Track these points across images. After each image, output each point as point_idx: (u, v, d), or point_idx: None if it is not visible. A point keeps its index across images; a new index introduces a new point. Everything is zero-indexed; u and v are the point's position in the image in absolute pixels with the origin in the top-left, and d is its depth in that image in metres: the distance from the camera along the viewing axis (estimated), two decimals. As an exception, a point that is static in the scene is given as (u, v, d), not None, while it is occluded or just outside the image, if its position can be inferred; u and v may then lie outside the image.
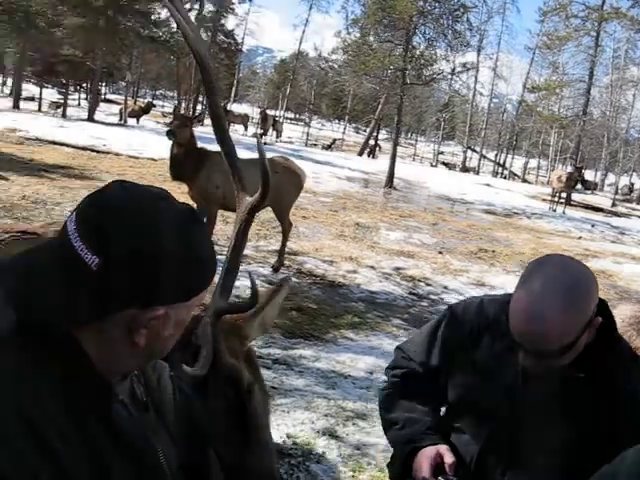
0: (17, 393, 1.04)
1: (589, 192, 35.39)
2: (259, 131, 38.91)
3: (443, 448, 2.04)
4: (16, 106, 30.41)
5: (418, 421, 2.14)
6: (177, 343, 1.29)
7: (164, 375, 1.43)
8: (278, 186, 8.58)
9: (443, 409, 2.32)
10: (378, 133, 42.40)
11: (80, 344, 1.13)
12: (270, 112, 42.93)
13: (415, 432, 2.11)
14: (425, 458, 2.01)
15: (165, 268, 1.11)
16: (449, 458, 2.00)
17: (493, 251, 12.93)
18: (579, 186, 27.87)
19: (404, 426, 2.14)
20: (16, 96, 31.62)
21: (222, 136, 2.04)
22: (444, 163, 47.43)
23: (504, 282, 10.44)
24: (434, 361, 2.22)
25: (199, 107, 44.37)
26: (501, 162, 49.61)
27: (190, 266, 1.16)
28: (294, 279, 8.58)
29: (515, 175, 46.27)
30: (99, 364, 1.15)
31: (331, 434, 4.83)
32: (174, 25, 36.63)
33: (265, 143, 30.04)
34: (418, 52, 24.02)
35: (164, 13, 35.50)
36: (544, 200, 24.99)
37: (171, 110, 48.77)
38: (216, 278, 1.29)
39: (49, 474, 1.02)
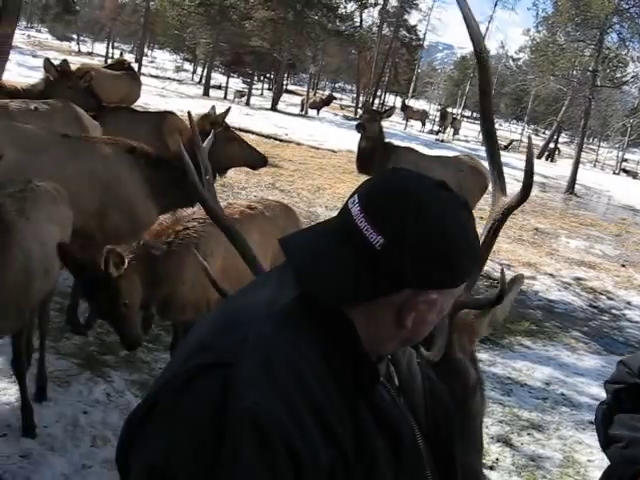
0: (293, 359, 1.10)
1: None
2: (435, 128, 38.58)
3: None
4: (206, 93, 32.06)
5: None
6: None
7: (413, 361, 1.45)
8: (462, 185, 8.49)
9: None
10: (559, 136, 40.82)
11: (353, 324, 1.17)
12: (448, 110, 42.45)
13: None
14: None
15: (445, 254, 1.14)
16: None
17: (682, 269, 12.11)
18: None
19: (628, 445, 2.06)
20: (206, 84, 33.33)
21: (490, 130, 2.03)
22: (625, 170, 44.74)
23: (693, 303, 9.78)
24: None
25: (377, 101, 44.75)
26: (692, 174, 46.22)
27: (465, 254, 1.17)
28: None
29: None
30: (365, 344, 1.18)
31: (505, 441, 4.77)
32: (358, 19, 37.25)
33: (442, 140, 29.82)
34: (611, 53, 22.83)
35: (350, 7, 36.17)
36: None
37: (349, 103, 49.66)
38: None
39: (320, 434, 1.08)
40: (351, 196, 1.19)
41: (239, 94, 34.18)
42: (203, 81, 35.87)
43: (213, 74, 36.07)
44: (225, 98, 32.93)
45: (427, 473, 1.32)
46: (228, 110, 5.77)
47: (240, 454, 1.00)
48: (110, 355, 4.82)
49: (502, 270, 1.73)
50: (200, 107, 23.04)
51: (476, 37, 1.88)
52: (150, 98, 20.56)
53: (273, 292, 1.21)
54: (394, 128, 29.80)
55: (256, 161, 6.16)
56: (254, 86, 37.23)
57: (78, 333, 5.01)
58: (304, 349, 1.12)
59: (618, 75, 24.20)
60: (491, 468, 4.44)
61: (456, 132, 39.25)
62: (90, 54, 43.77)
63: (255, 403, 1.03)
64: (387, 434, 1.21)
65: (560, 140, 43.71)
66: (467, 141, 38.65)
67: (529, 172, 1.83)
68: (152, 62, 50.51)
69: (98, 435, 3.88)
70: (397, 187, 1.17)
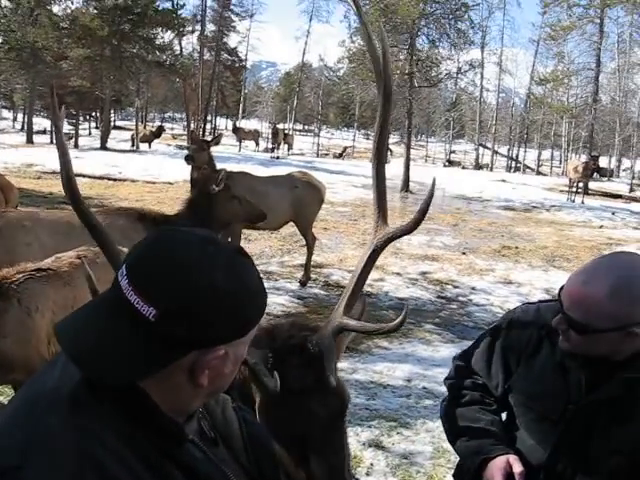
0: (85, 447, 1.07)
1: (605, 179, 35.14)
2: (270, 145, 38.87)
3: (512, 458, 2.04)
4: (29, 141, 30.74)
5: (485, 432, 2.14)
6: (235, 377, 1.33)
7: (228, 408, 1.46)
8: (299, 201, 8.63)
9: (503, 416, 2.32)
10: (388, 137, 42.20)
11: (147, 394, 1.15)
12: (279, 126, 42.97)
13: (483, 443, 2.11)
14: (497, 470, 2.01)
15: (221, 310, 1.13)
16: (518, 467, 2.00)
17: (516, 247, 12.90)
18: (595, 174, 27.70)
19: (471, 437, 2.15)
20: (29, 131, 31.98)
21: (379, 169, 2.09)
22: (449, 161, 47.15)
23: (530, 278, 10.41)
24: (494, 369, 2.23)
25: (208, 126, 44.58)
26: (514, 156, 49.36)
27: (245, 303, 1.17)
28: (322, 292, 8.59)
29: (529, 168, 46.02)
30: (166, 409, 1.17)
31: (377, 445, 4.85)
32: (178, 48, 36.97)
33: (277, 157, 30.12)
34: (423, 55, 24.05)
35: (167, 36, 35.81)
36: (561, 191, 24.82)
37: (181, 132, 49.12)
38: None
39: None
40: (119, 267, 1.17)
41: (67, 137, 32.95)
42: (26, 128, 34.37)
43: (36, 119, 34.72)
44: (51, 143, 31.67)
45: None
46: (223, 171, 6.47)
47: None
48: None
49: (406, 306, 1.83)
50: (24, 156, 22.22)
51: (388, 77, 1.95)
52: (-32, 153, 19.46)
53: (61, 376, 1.17)
54: (228, 151, 29.80)
55: (256, 217, 6.75)
56: (80, 126, 36.10)
57: None
58: (98, 432, 1.09)
59: (433, 74, 25.43)
60: (367, 474, 4.50)
61: (290, 147, 39.80)
62: None
63: None
64: None
65: (391, 141, 45.26)
66: (303, 154, 39.35)
67: (424, 210, 1.89)
68: (-34, 114, 47.94)
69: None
70: (161, 252, 1.16)
